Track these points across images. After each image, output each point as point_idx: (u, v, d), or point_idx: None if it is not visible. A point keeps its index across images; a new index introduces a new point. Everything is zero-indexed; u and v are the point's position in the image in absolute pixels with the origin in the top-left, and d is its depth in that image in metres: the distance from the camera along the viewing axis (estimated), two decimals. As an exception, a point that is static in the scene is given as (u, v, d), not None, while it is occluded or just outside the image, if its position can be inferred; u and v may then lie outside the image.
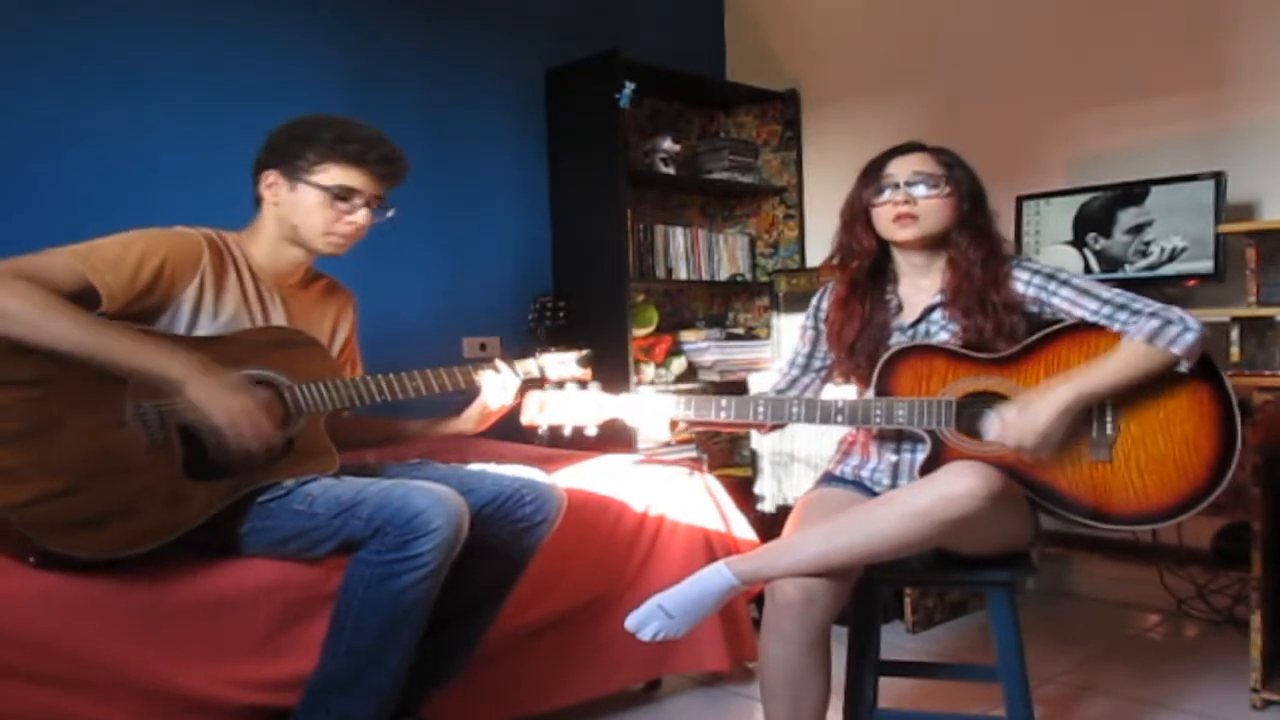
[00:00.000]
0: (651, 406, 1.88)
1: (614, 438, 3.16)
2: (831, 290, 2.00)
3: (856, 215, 1.92)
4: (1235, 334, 2.53)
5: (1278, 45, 2.80)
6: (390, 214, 1.97)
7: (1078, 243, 2.89)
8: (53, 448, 1.60)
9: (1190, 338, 1.68)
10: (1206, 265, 2.67)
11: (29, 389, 1.60)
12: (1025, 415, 1.70)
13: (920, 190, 1.84)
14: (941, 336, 1.86)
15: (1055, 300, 1.81)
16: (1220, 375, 1.74)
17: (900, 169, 1.86)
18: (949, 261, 1.88)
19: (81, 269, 1.67)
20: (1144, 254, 2.79)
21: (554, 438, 2.92)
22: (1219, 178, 2.66)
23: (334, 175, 1.88)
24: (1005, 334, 1.80)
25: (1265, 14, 2.82)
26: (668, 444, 3.46)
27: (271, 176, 1.90)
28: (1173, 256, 2.74)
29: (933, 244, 1.89)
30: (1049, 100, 3.20)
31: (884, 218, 1.87)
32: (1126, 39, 3.06)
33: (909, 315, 1.91)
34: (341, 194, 1.88)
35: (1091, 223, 2.88)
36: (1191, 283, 2.71)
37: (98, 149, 2.57)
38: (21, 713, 1.52)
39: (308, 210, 1.88)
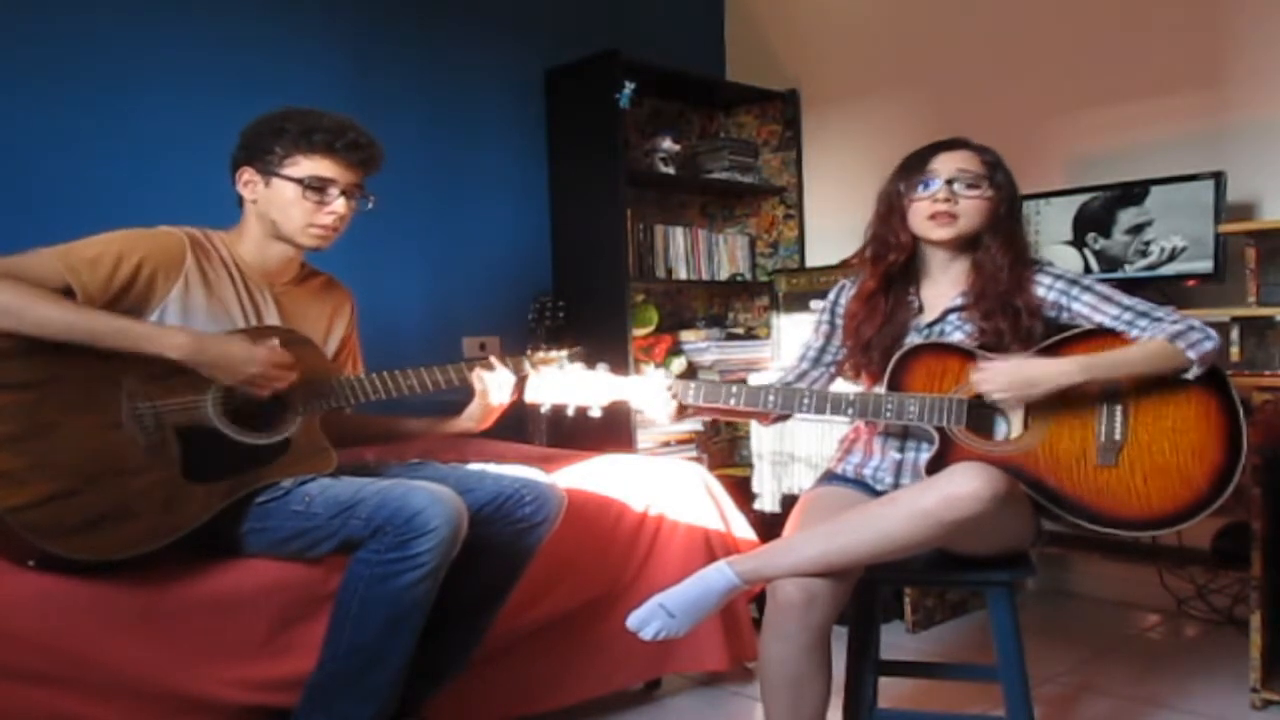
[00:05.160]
0: (659, 389, 1.84)
1: (614, 437, 3.18)
2: (851, 284, 1.99)
3: (894, 208, 1.89)
4: (1235, 334, 2.53)
5: (1277, 45, 2.80)
6: (370, 204, 1.96)
7: (1077, 243, 2.89)
8: (50, 450, 1.60)
9: (1208, 345, 1.69)
10: (1206, 265, 2.67)
11: (23, 392, 1.60)
12: (1019, 367, 1.70)
13: (961, 189, 1.83)
14: (956, 337, 1.85)
15: (1076, 305, 1.81)
16: (1229, 388, 1.75)
17: (944, 165, 1.84)
18: (974, 263, 1.87)
19: (60, 268, 1.67)
20: (1144, 254, 2.79)
21: (553, 431, 2.95)
22: (1219, 178, 2.65)
23: (304, 166, 1.86)
24: (1022, 337, 1.80)
25: (1264, 14, 2.82)
26: (668, 443, 3.47)
27: (247, 173, 1.89)
28: (1173, 256, 2.74)
29: (962, 244, 1.88)
30: (1049, 100, 3.20)
31: (920, 213, 1.85)
32: (1126, 39, 3.06)
33: (928, 316, 1.90)
34: (315, 184, 1.87)
35: (1091, 222, 2.88)
36: (1191, 283, 2.71)
37: (96, 149, 2.56)
38: (21, 713, 1.52)
39: (285, 205, 1.87)
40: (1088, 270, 2.87)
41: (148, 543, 1.65)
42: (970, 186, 1.83)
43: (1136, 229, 2.80)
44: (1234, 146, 2.84)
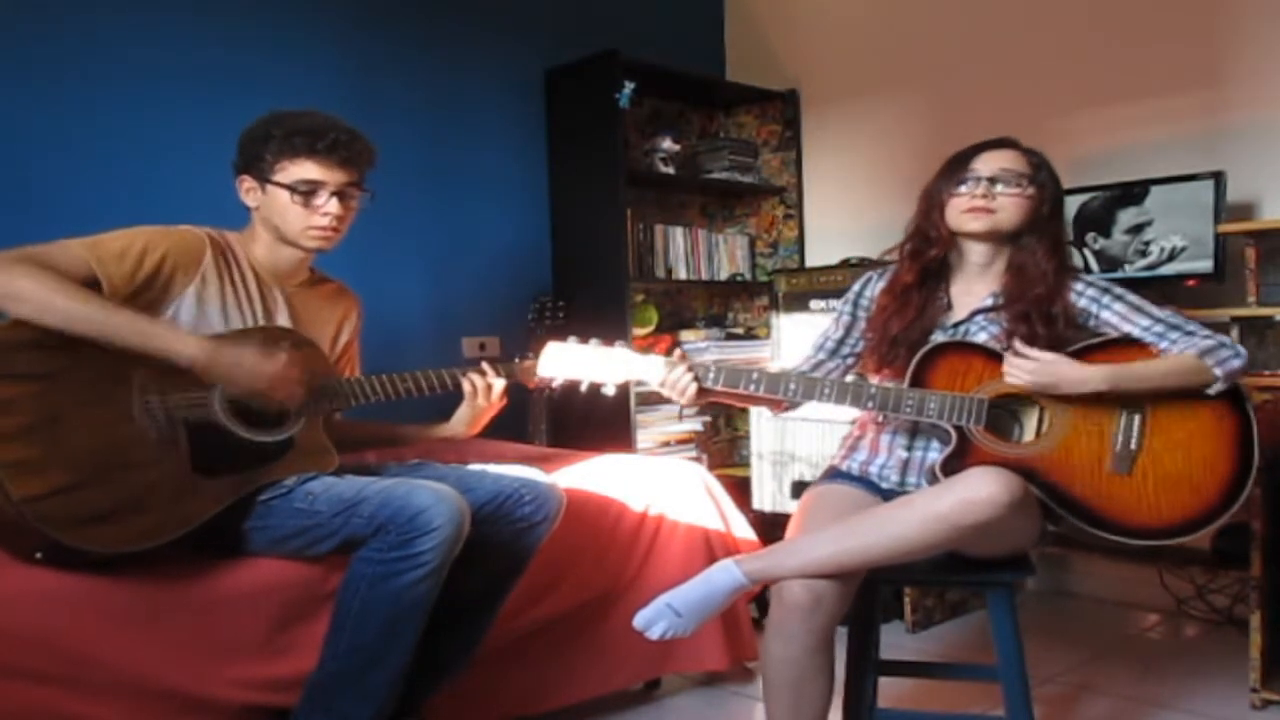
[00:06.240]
0: (678, 372, 1.79)
1: (614, 437, 3.18)
2: (879, 277, 1.98)
3: (935, 204, 1.89)
4: (1235, 334, 2.53)
5: (1277, 45, 2.80)
6: (367, 198, 1.97)
7: (1077, 242, 2.89)
8: (62, 442, 1.60)
9: (1237, 364, 1.71)
10: (1206, 265, 2.67)
11: (36, 383, 1.61)
12: (1048, 364, 1.70)
13: (1000, 187, 1.82)
14: (981, 337, 1.85)
15: (1106, 314, 1.82)
16: (1245, 402, 1.75)
17: (986, 164, 1.84)
18: (1011, 265, 1.87)
19: (87, 259, 1.70)
20: (1143, 254, 2.79)
21: (553, 431, 2.95)
22: (1219, 177, 2.65)
23: (292, 171, 1.88)
24: (1053, 344, 1.79)
25: (1265, 14, 2.82)
26: (668, 443, 3.48)
27: (246, 182, 1.92)
28: (1172, 256, 2.74)
29: (999, 241, 1.87)
30: (1048, 100, 3.19)
31: (957, 208, 1.85)
32: (1126, 39, 3.06)
33: (956, 315, 1.90)
34: (305, 188, 1.88)
35: (1091, 222, 2.88)
36: (1191, 283, 2.71)
37: (96, 149, 2.56)
38: (21, 712, 1.52)
39: (282, 210, 1.90)
40: (1087, 270, 2.87)
41: (157, 536, 1.65)
42: (1011, 185, 1.83)
43: (1136, 229, 2.80)
44: (1234, 146, 2.84)
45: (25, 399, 1.59)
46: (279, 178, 1.88)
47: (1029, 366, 1.71)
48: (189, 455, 1.71)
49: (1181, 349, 1.73)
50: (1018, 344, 1.76)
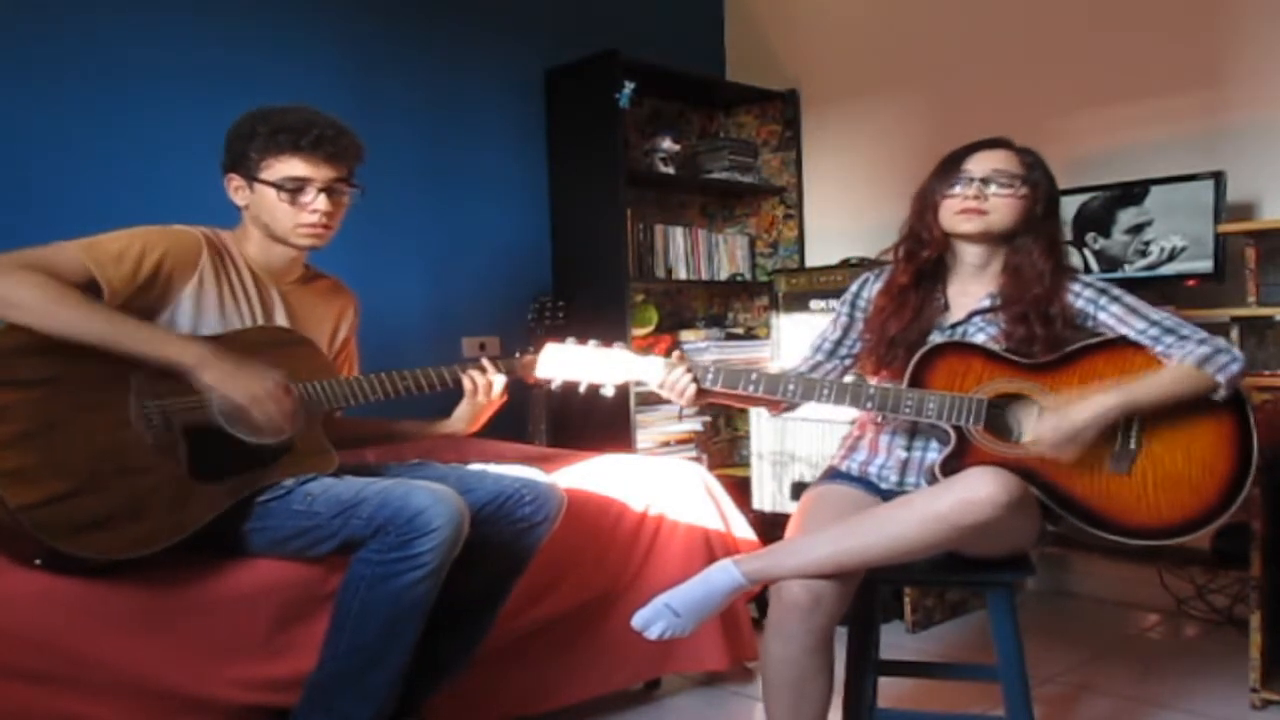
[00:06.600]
0: (678, 373, 1.80)
1: (614, 437, 3.18)
2: (876, 278, 1.98)
3: (928, 205, 1.89)
4: (1235, 334, 2.53)
5: (1277, 45, 2.80)
6: (358, 194, 1.96)
7: (1077, 243, 2.89)
8: (60, 449, 1.60)
9: (1236, 368, 1.71)
10: (1206, 265, 2.67)
11: (33, 389, 1.60)
12: (1065, 418, 1.69)
13: (994, 187, 1.82)
14: (979, 339, 1.85)
15: (1102, 315, 1.81)
16: (1245, 403, 1.75)
17: (978, 165, 1.84)
18: (1008, 265, 1.86)
19: (86, 262, 1.69)
20: (1143, 254, 2.79)
21: (553, 431, 2.95)
22: (1218, 177, 2.65)
23: (278, 169, 1.86)
24: (1051, 345, 1.79)
25: (1265, 14, 2.82)
26: (668, 443, 3.48)
27: (235, 181, 1.91)
28: (1172, 256, 2.74)
29: (993, 242, 1.87)
30: (1049, 100, 3.19)
31: (950, 209, 1.84)
32: (1125, 38, 3.06)
33: (953, 316, 1.90)
34: (292, 185, 1.87)
35: (1091, 222, 2.88)
36: (1191, 283, 2.71)
37: (96, 149, 2.56)
38: (21, 712, 1.52)
39: (270, 208, 1.88)
40: (1087, 270, 2.87)
41: (155, 542, 1.65)
42: (1004, 186, 1.82)
43: (1136, 229, 2.80)
44: (1234, 146, 2.84)
45: (21, 406, 1.59)
46: (266, 175, 1.87)
47: (1049, 439, 1.69)
48: (187, 459, 1.71)
49: (1179, 356, 1.73)
50: (1028, 423, 1.72)
